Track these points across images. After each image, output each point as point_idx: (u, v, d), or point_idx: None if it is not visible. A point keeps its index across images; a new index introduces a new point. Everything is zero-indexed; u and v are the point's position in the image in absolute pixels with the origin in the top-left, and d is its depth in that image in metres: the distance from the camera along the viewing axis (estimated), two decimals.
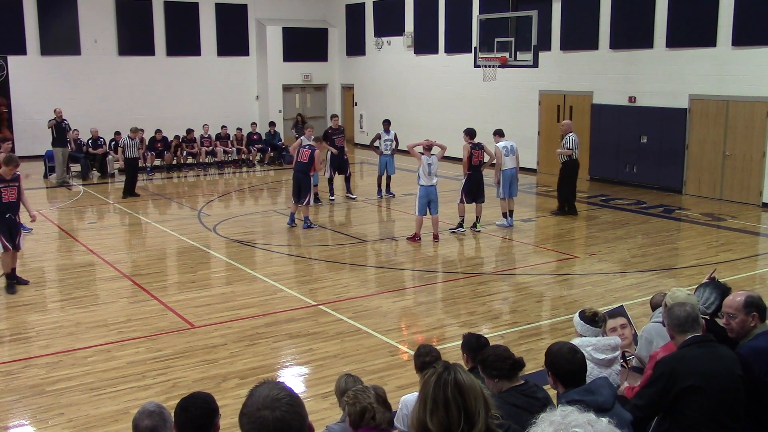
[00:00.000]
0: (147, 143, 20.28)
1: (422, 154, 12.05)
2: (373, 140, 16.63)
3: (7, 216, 9.59)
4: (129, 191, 16.62)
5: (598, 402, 3.57)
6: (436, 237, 12.30)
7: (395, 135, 16.37)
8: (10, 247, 9.60)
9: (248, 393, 2.23)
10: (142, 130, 18.73)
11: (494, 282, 10.22)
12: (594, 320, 4.99)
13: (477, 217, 12.92)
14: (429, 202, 12.08)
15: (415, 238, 12.20)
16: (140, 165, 18.63)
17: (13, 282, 9.85)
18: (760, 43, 14.53)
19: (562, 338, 7.00)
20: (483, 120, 20.26)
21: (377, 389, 4.05)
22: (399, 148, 16.26)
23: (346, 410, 3.94)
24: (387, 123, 16.60)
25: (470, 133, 12.78)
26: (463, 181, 12.80)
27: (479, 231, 12.86)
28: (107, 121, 21.12)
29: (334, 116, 16.76)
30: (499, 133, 13.42)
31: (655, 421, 4.15)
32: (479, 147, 12.73)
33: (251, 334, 8.15)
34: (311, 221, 13.33)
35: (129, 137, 16.98)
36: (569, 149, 13.88)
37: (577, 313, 5.12)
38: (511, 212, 13.33)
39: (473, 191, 12.73)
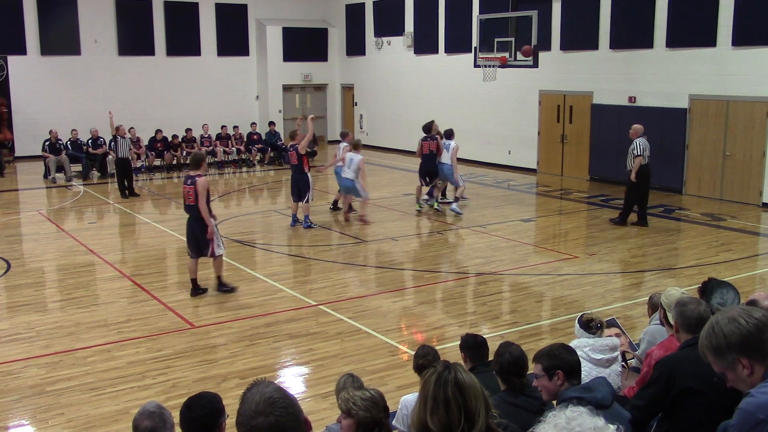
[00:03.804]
0: (147, 143, 20.29)
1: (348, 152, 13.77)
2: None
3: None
4: (126, 191, 16.62)
5: (597, 399, 3.56)
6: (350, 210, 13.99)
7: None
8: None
9: (241, 397, 2.23)
10: (133, 128, 18.88)
11: (494, 282, 10.22)
12: (587, 326, 5.06)
13: (438, 194, 14.83)
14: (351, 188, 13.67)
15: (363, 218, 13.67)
16: (135, 165, 18.63)
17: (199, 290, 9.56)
18: (760, 43, 14.53)
19: (562, 338, 7.02)
20: (483, 120, 20.27)
21: (379, 399, 3.80)
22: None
23: (353, 414, 3.68)
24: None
25: (424, 128, 14.74)
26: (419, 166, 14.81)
27: (438, 208, 14.52)
28: (107, 121, 21.04)
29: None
30: (447, 135, 14.69)
31: (656, 421, 4.15)
32: (431, 139, 14.53)
33: (251, 334, 8.15)
34: (311, 221, 13.33)
35: (120, 137, 16.94)
36: (638, 155, 12.72)
37: (579, 317, 5.22)
38: (444, 194, 15.12)
39: (422, 174, 14.62)
